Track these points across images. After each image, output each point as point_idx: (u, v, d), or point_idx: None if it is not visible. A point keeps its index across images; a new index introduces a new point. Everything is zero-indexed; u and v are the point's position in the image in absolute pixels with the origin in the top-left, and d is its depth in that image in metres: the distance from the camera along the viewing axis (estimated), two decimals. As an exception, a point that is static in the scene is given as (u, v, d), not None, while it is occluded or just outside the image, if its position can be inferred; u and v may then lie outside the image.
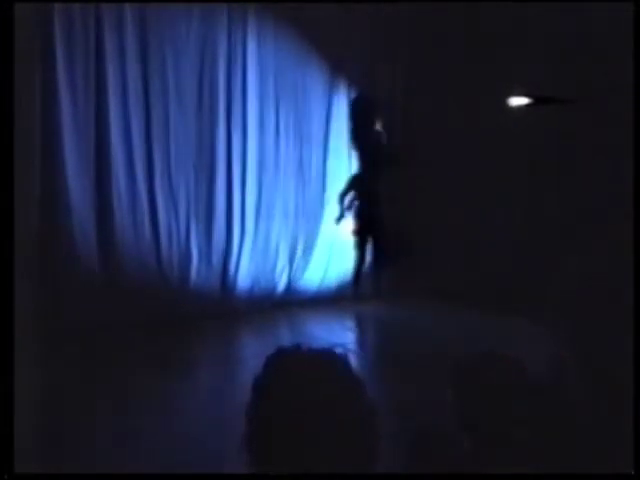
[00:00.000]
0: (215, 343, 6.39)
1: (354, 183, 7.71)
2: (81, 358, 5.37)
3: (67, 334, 5.61)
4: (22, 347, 2.95)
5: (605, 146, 6.37)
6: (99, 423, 4.17)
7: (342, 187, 7.69)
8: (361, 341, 7.09)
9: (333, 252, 7.87)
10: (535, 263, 6.73)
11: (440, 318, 6.92)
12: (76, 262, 6.08)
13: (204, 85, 6.95)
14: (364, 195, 7.61)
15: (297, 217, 7.70)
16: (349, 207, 7.65)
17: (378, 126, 7.86)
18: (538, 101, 6.69)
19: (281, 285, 7.61)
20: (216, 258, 7.14)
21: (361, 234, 7.66)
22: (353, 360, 1.35)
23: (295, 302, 7.48)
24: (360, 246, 7.68)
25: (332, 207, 7.75)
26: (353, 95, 7.92)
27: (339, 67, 7.79)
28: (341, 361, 1.22)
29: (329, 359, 1.22)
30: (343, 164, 7.96)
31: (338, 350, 1.30)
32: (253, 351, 5.76)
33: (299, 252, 7.72)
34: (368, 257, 7.82)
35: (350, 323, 7.36)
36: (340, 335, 6.71)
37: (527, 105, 6.83)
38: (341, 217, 7.65)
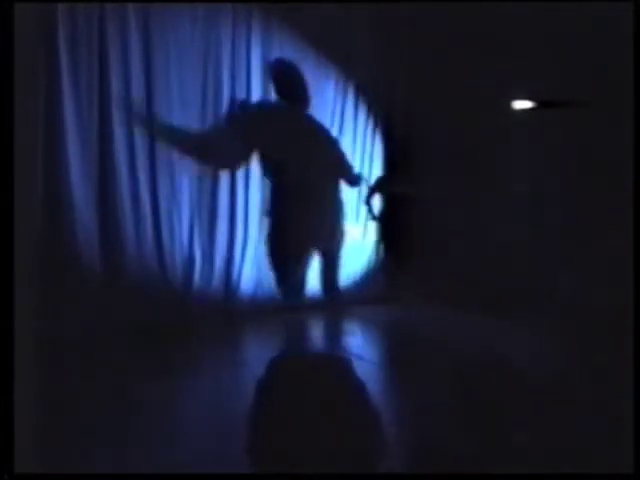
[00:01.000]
0: (218, 346, 6.38)
1: (379, 186, 7.75)
2: (82, 359, 5.37)
3: (68, 335, 5.62)
4: (23, 347, 2.94)
5: (605, 146, 6.38)
6: (99, 423, 4.16)
7: (367, 190, 7.71)
8: (365, 345, 7.08)
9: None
10: (535, 263, 6.74)
11: (445, 321, 6.91)
12: (78, 264, 6.08)
13: (208, 87, 6.93)
14: (384, 198, 7.69)
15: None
16: (371, 210, 7.71)
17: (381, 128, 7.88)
18: (539, 103, 6.70)
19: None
20: (219, 261, 7.13)
21: (378, 235, 7.73)
22: (356, 364, 1.34)
23: (298, 306, 7.47)
24: (373, 249, 7.70)
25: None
26: (358, 97, 7.91)
27: (343, 68, 7.79)
28: (344, 364, 1.23)
29: (332, 362, 1.22)
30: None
31: (341, 354, 1.31)
32: (256, 354, 5.75)
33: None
34: (374, 260, 7.81)
35: (354, 327, 7.35)
36: (343, 339, 6.70)
37: (528, 106, 6.84)
38: (374, 219, 7.71)
